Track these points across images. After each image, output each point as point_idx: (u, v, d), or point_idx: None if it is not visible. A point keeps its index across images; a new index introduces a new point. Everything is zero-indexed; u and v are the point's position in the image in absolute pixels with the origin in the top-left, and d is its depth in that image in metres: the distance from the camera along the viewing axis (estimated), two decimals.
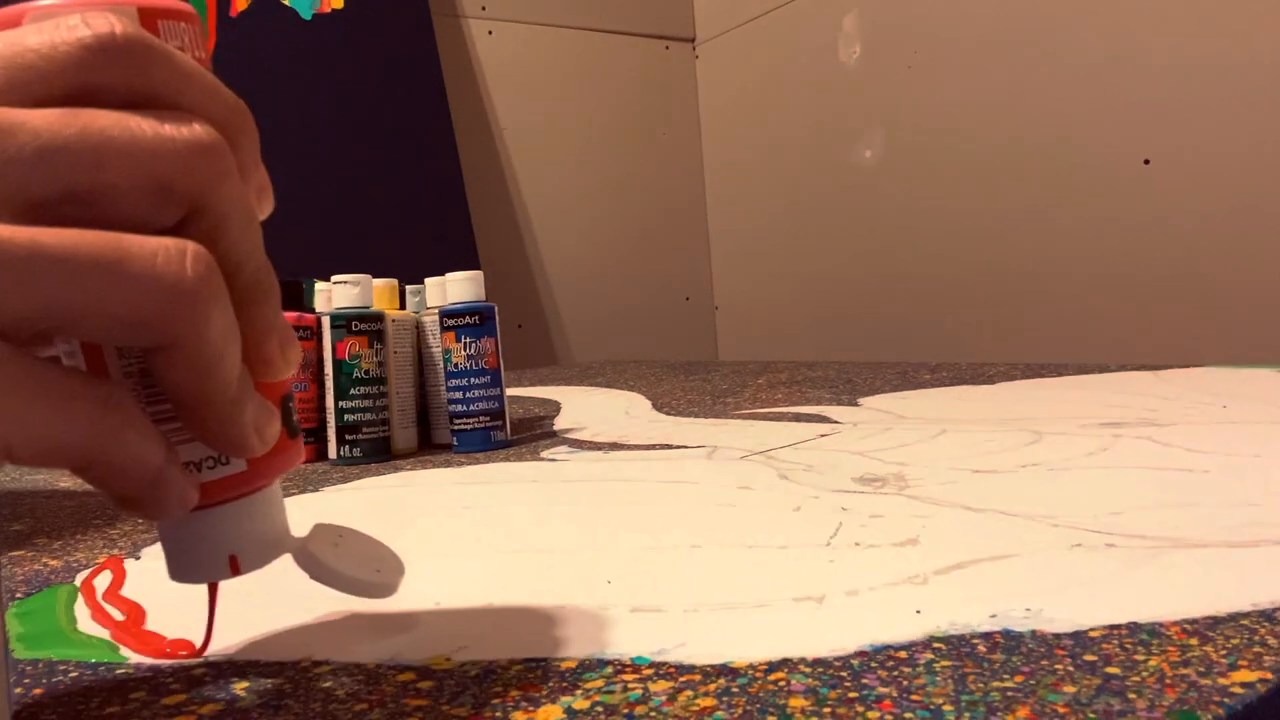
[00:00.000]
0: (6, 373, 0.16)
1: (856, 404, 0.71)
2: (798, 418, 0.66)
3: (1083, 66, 1.23)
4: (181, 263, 0.17)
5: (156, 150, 0.17)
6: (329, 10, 1.45)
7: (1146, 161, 1.18)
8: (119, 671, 0.25)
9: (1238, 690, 0.20)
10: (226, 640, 0.27)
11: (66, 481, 0.59)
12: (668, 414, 0.74)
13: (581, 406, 0.84)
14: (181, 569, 0.22)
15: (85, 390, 0.17)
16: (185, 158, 0.17)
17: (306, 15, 1.43)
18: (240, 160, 0.19)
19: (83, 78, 0.17)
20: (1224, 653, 0.22)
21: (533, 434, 0.68)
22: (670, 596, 0.29)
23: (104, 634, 0.28)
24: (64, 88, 0.17)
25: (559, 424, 0.73)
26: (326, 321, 0.60)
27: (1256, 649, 0.22)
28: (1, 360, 0.16)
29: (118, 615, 0.30)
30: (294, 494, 0.50)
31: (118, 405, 0.17)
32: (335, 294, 0.60)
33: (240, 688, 0.23)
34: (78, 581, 0.35)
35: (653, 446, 0.58)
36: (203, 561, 0.22)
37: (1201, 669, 0.21)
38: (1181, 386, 0.68)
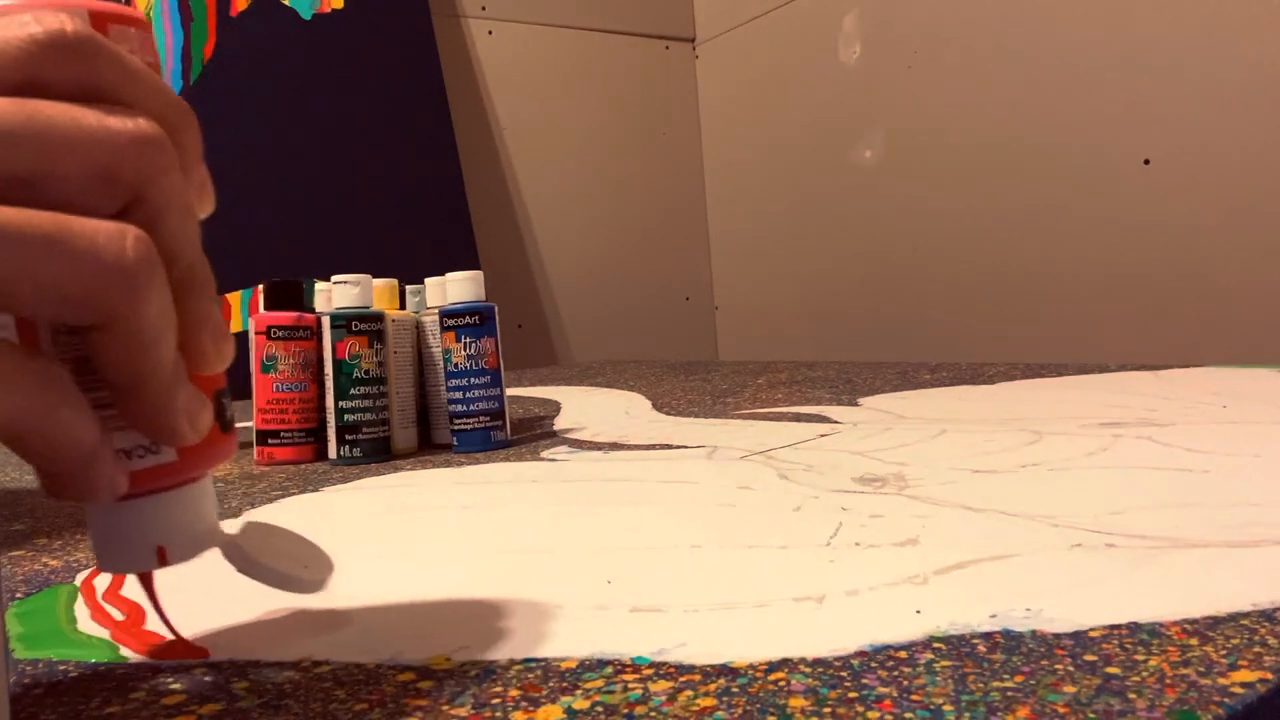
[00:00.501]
0: (20, 365, 0.17)
1: (856, 404, 0.71)
2: (798, 418, 0.66)
3: (1083, 66, 1.23)
4: (122, 243, 0.18)
5: (101, 140, 0.18)
6: (329, 10, 1.45)
7: (1147, 161, 1.17)
8: (119, 671, 0.25)
9: (1238, 690, 0.20)
10: (226, 640, 0.27)
11: None
12: (668, 414, 0.74)
13: (581, 406, 0.84)
14: (109, 558, 0.22)
15: (24, 363, 0.17)
16: (128, 148, 0.18)
17: (306, 15, 1.43)
18: (182, 157, 0.20)
19: (33, 71, 0.18)
20: (1224, 653, 0.22)
21: (533, 434, 0.68)
22: (670, 596, 0.29)
23: (104, 634, 0.28)
24: (15, 80, 0.18)
25: (559, 424, 0.73)
26: (326, 321, 0.60)
27: (1257, 649, 0.22)
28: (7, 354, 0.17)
29: (118, 615, 0.30)
30: (294, 494, 0.50)
31: (55, 381, 0.18)
32: (335, 294, 0.60)
33: (240, 687, 0.23)
34: (78, 581, 0.35)
35: (653, 446, 0.58)
36: (131, 551, 0.22)
37: (1202, 669, 0.21)
38: (1181, 386, 0.68)
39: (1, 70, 0.18)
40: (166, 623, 0.25)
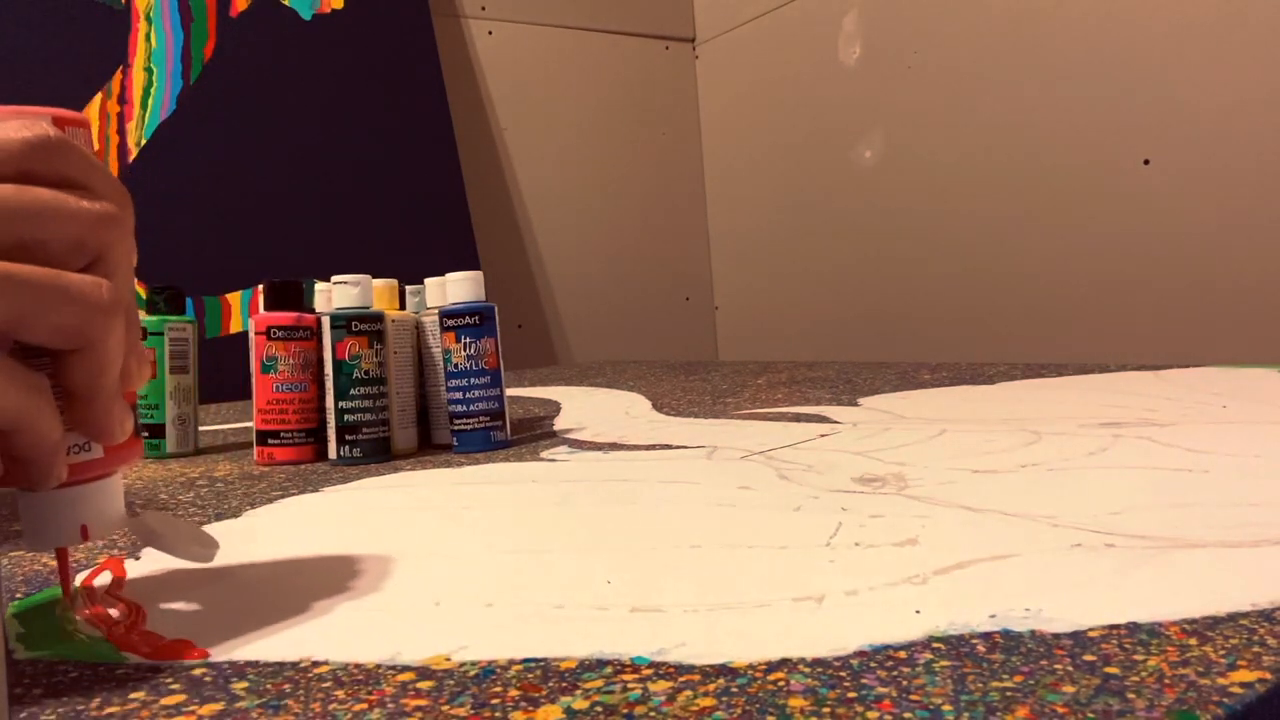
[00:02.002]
0: (28, 379, 0.23)
1: (856, 404, 0.71)
2: (798, 418, 0.66)
3: (1082, 67, 1.23)
4: (99, 289, 0.24)
5: (78, 217, 0.24)
6: (329, 10, 1.45)
7: (1146, 162, 1.17)
8: (119, 672, 0.25)
9: (1237, 690, 0.20)
10: (226, 640, 0.27)
11: None
12: (668, 414, 0.74)
13: (582, 407, 0.84)
14: (40, 537, 0.27)
15: (22, 373, 0.23)
16: (96, 223, 0.25)
17: (306, 15, 1.43)
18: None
19: (26, 165, 0.24)
20: (1223, 653, 0.22)
21: (533, 434, 0.68)
22: (670, 596, 0.29)
23: (103, 634, 0.28)
24: (13, 169, 0.24)
25: (559, 424, 0.73)
26: (326, 322, 0.60)
27: (1256, 649, 0.22)
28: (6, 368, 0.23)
29: (117, 615, 0.30)
30: (294, 494, 0.50)
31: (42, 388, 0.24)
32: (335, 294, 0.60)
33: (240, 688, 0.23)
34: (78, 582, 0.35)
35: (653, 447, 0.58)
36: (61, 530, 0.27)
37: (1201, 669, 0.21)
38: (1181, 386, 0.68)
39: (4, 162, 0.23)
40: (67, 588, 0.30)
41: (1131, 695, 0.20)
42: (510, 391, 1.06)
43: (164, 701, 0.23)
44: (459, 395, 0.61)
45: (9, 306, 0.23)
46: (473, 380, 0.61)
